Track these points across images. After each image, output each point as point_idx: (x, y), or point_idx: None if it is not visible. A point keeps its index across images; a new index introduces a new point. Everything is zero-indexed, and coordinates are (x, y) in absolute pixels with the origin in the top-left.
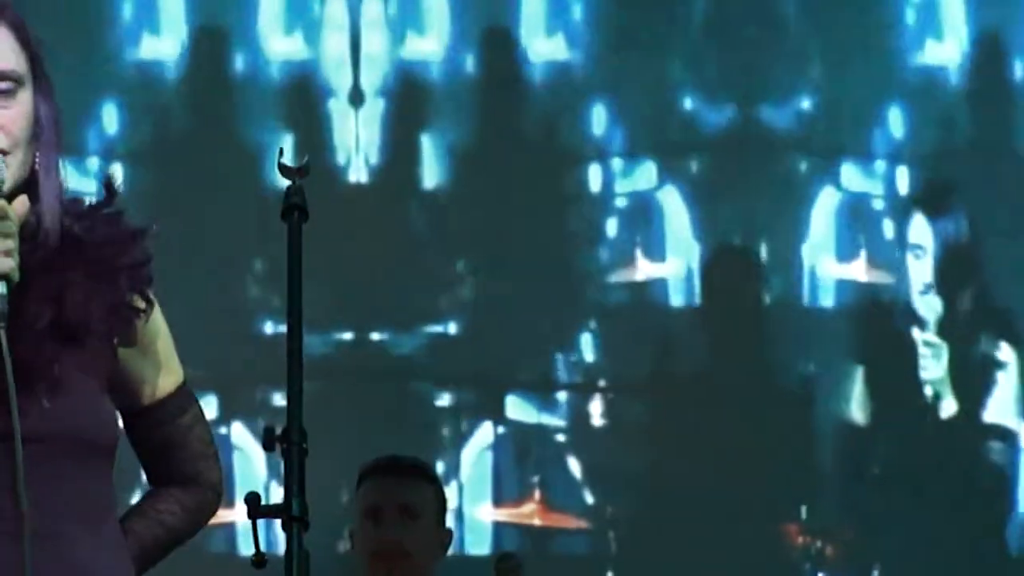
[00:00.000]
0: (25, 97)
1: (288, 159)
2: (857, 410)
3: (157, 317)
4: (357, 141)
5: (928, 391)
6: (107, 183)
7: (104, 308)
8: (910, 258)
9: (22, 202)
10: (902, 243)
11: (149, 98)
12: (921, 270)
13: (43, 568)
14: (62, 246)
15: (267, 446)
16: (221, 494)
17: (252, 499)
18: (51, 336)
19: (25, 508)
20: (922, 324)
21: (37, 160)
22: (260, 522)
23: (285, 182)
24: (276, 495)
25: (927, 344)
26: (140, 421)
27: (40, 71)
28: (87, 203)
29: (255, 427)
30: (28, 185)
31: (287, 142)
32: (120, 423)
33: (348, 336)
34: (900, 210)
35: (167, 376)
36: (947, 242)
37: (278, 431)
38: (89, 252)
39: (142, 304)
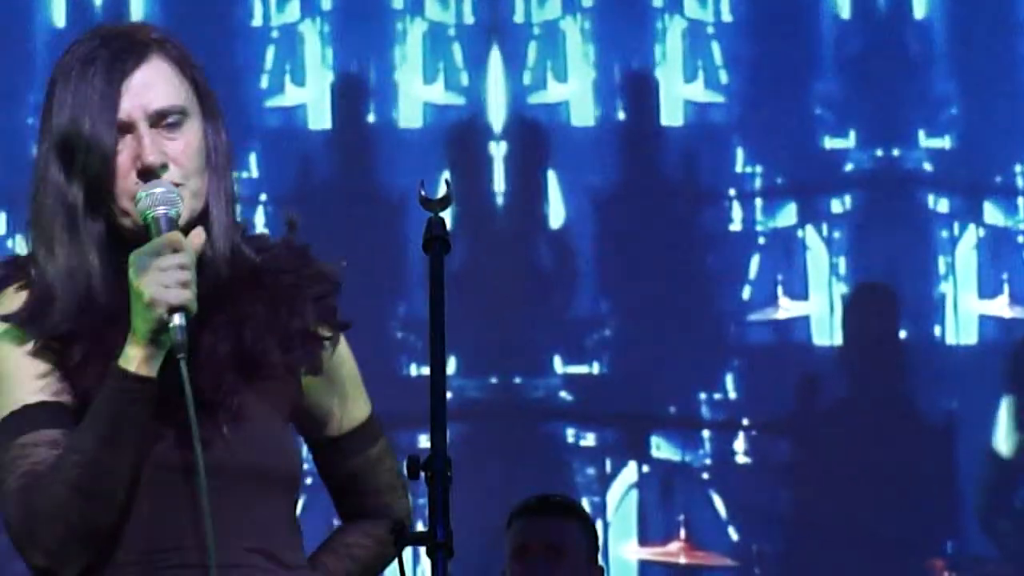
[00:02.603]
0: (193, 127)
1: (429, 192)
2: (1003, 443)
3: (344, 348)
4: (500, 184)
5: None
6: (290, 221)
7: (286, 339)
8: None
9: (198, 234)
10: None
11: (292, 145)
12: None
13: None
14: (241, 277)
15: (411, 474)
16: (410, 527)
17: (398, 528)
18: (231, 367)
19: (211, 538)
20: None
21: (209, 190)
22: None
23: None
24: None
25: None
26: (328, 452)
27: (207, 100)
28: (269, 237)
29: (400, 470)
30: (204, 216)
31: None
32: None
33: (492, 379)
34: None
35: (354, 407)
36: None
37: (422, 460)
38: (270, 282)
39: (327, 333)
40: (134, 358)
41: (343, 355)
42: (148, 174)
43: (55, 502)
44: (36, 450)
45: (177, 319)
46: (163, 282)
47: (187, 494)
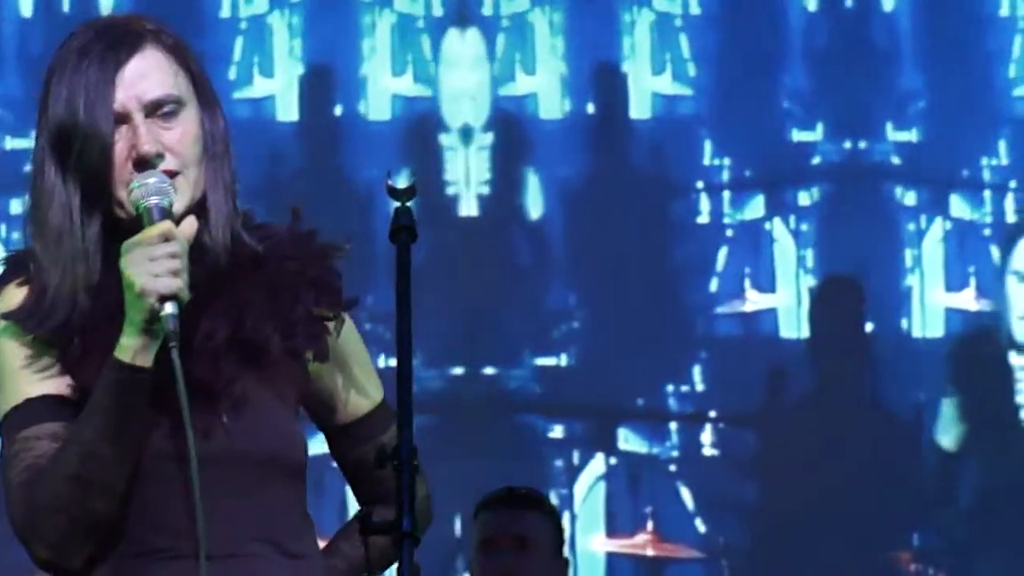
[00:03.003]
0: (190, 116)
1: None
2: (945, 436)
3: (352, 333)
4: (467, 176)
5: None
6: (294, 210)
7: (287, 325)
8: (1012, 283)
9: (190, 223)
10: (1006, 269)
11: (261, 136)
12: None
13: None
14: (241, 265)
15: (378, 464)
16: (427, 511)
17: (364, 516)
18: (231, 354)
19: (202, 529)
20: (1020, 349)
21: (207, 178)
22: None
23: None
24: None
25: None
26: (339, 439)
27: (203, 88)
28: (275, 225)
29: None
30: (203, 204)
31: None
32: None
33: (461, 370)
34: (1008, 238)
35: (364, 393)
36: None
37: (388, 450)
38: (272, 269)
39: (331, 318)
40: (129, 348)
41: (350, 340)
42: (143, 163)
43: (56, 495)
44: (38, 443)
45: (169, 308)
46: (153, 271)
47: (185, 484)
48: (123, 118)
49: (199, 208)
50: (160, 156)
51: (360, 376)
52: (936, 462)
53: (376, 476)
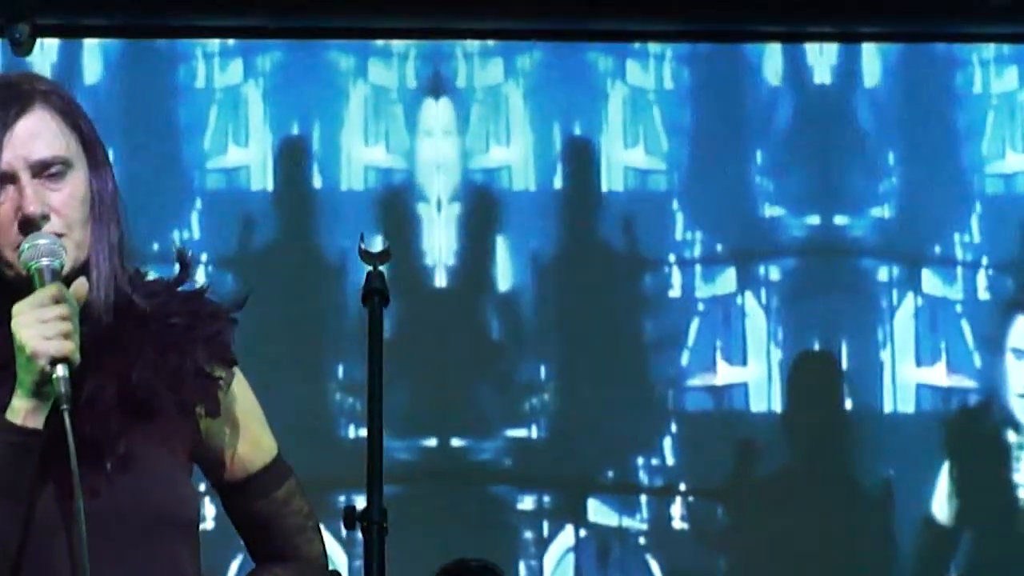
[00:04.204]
0: (77, 178)
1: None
2: (940, 511)
3: (241, 387)
4: (439, 247)
5: (1022, 494)
6: (180, 256)
7: (176, 379)
8: (1011, 360)
9: (81, 284)
10: (992, 346)
11: (234, 206)
12: (1022, 373)
13: None
14: (129, 323)
15: (347, 524)
16: (324, 567)
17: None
18: (119, 411)
19: None
20: (1018, 427)
21: (92, 239)
22: None
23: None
24: None
25: (1022, 447)
26: (232, 496)
27: (93, 150)
28: (164, 281)
29: (336, 529)
30: (88, 265)
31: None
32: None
33: (431, 442)
34: (981, 314)
35: (258, 449)
36: None
37: (359, 510)
38: (156, 327)
39: (220, 373)
40: (20, 410)
41: (239, 394)
42: (29, 225)
43: None
44: None
45: (60, 370)
46: (44, 334)
47: (70, 544)
48: (10, 178)
49: (84, 269)
50: (45, 217)
51: (252, 432)
52: (929, 536)
53: (270, 533)
